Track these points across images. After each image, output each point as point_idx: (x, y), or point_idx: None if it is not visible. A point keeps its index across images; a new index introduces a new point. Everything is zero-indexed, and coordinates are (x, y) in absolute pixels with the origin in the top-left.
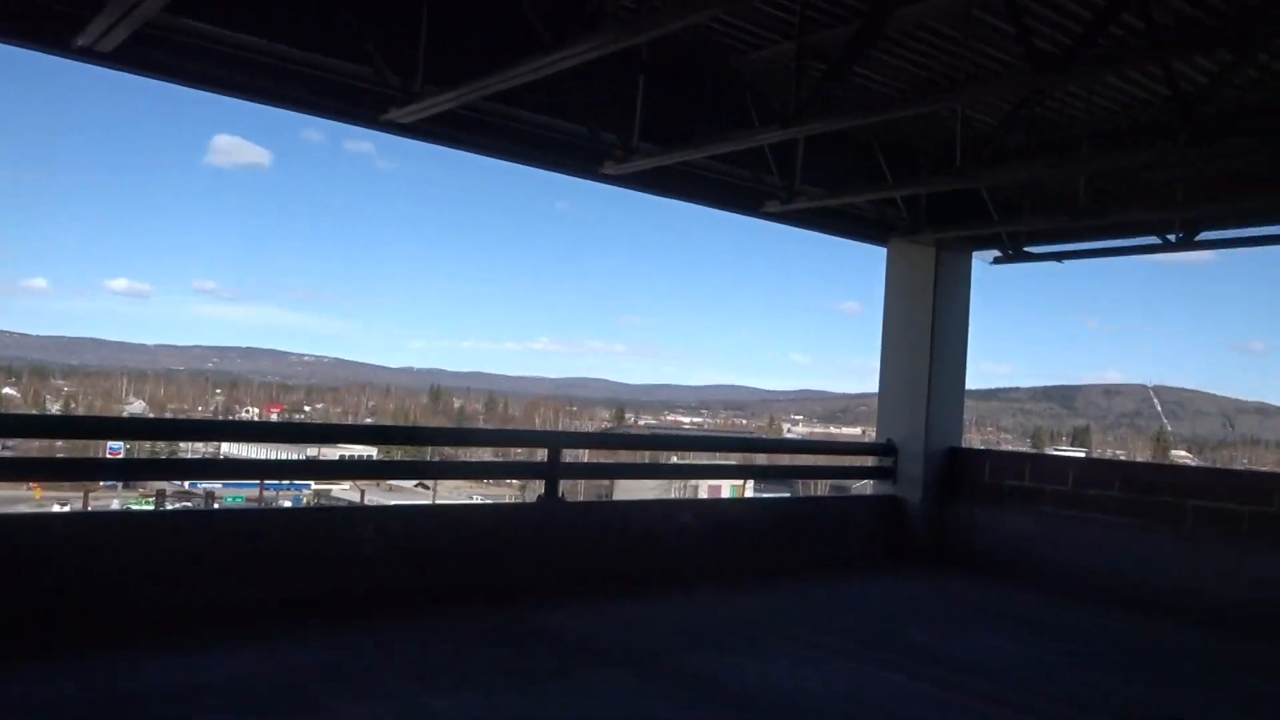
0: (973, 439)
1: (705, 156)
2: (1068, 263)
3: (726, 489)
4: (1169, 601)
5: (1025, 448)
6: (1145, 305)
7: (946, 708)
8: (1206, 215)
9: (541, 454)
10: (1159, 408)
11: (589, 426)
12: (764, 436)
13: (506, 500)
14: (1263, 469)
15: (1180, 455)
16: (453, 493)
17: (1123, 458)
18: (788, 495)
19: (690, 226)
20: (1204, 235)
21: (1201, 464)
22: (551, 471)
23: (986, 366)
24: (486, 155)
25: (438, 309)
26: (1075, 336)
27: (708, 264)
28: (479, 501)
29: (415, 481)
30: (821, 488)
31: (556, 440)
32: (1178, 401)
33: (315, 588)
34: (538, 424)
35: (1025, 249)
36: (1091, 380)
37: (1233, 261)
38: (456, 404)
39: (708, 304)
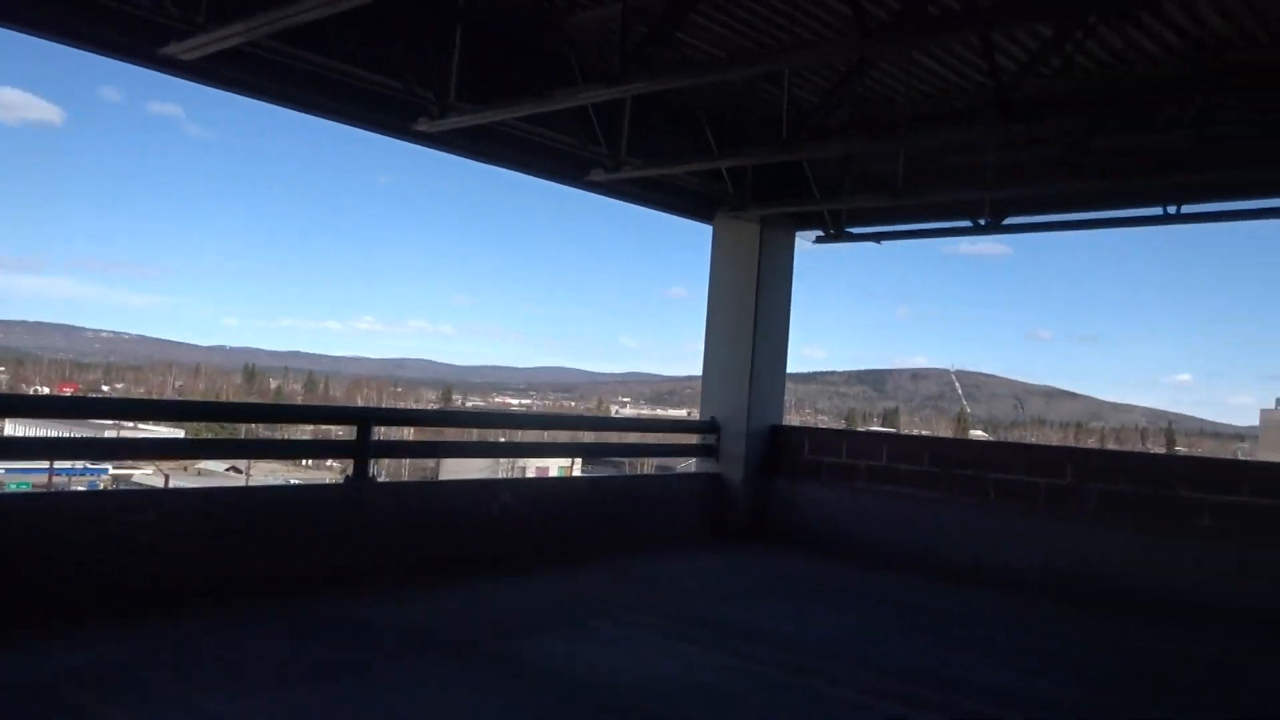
0: (792, 420)
1: (529, 119)
2: (881, 253)
3: (555, 469)
4: (976, 570)
5: (841, 428)
6: (949, 295)
7: (761, 682)
8: (1014, 198)
9: (350, 431)
10: (960, 390)
11: (413, 407)
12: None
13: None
14: (1053, 444)
15: (977, 434)
16: (268, 476)
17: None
18: (614, 474)
19: (522, 209)
20: (1010, 220)
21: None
22: (361, 450)
23: (806, 351)
24: (291, 107)
25: (253, 286)
26: (886, 324)
27: (539, 247)
28: (292, 484)
29: (228, 465)
30: (647, 467)
31: (366, 416)
32: (976, 385)
33: (101, 580)
34: (359, 404)
35: (846, 229)
36: (900, 365)
37: (1025, 256)
38: (273, 384)
39: (538, 286)
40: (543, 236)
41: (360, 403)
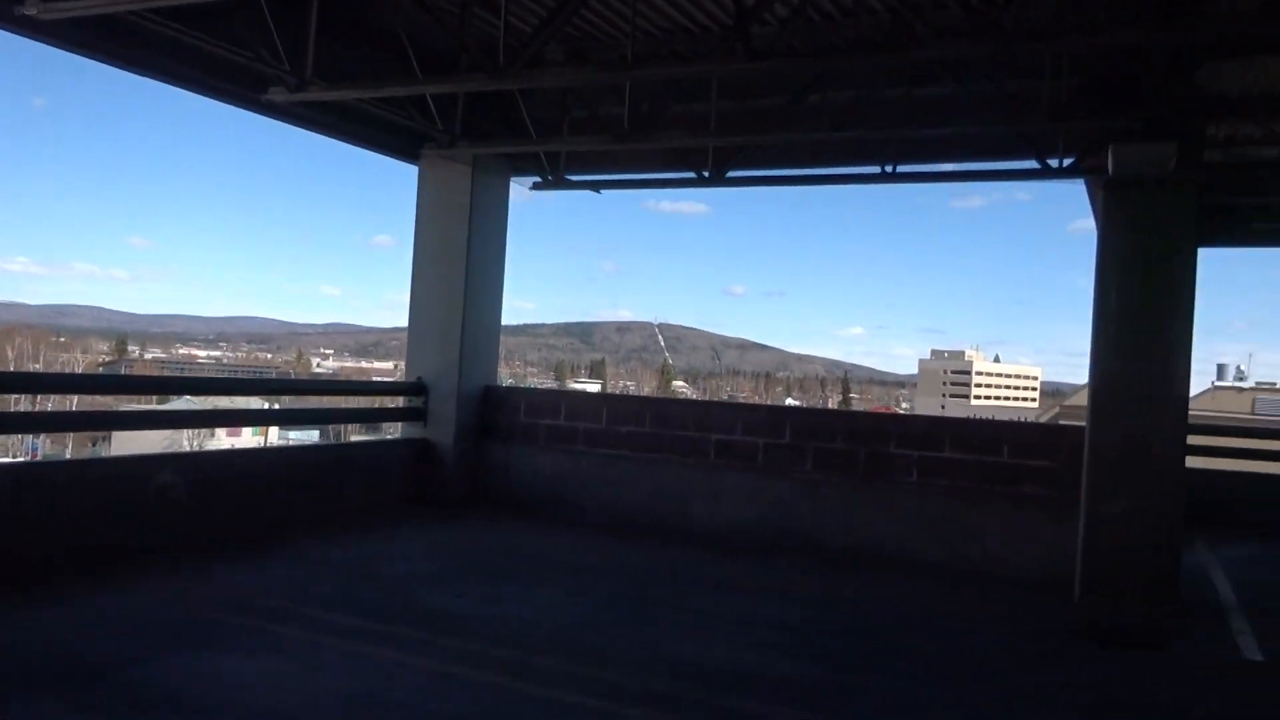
0: (502, 372)
1: (183, 18)
2: (588, 207)
3: (248, 435)
4: (696, 530)
5: (550, 380)
6: (652, 250)
7: (479, 693)
8: (739, 146)
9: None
10: (662, 343)
11: (81, 360)
12: (287, 376)
13: None
14: (777, 404)
15: (679, 385)
16: None
17: (632, 388)
18: (315, 440)
19: (206, 142)
20: (733, 173)
21: (697, 393)
22: None
23: (515, 303)
24: None
25: None
26: (593, 277)
27: (229, 188)
28: None
29: None
30: (355, 428)
31: None
32: (677, 337)
33: None
34: (10, 358)
35: (566, 176)
36: (607, 318)
37: (722, 215)
38: None
39: (230, 229)
40: (232, 176)
41: (11, 355)
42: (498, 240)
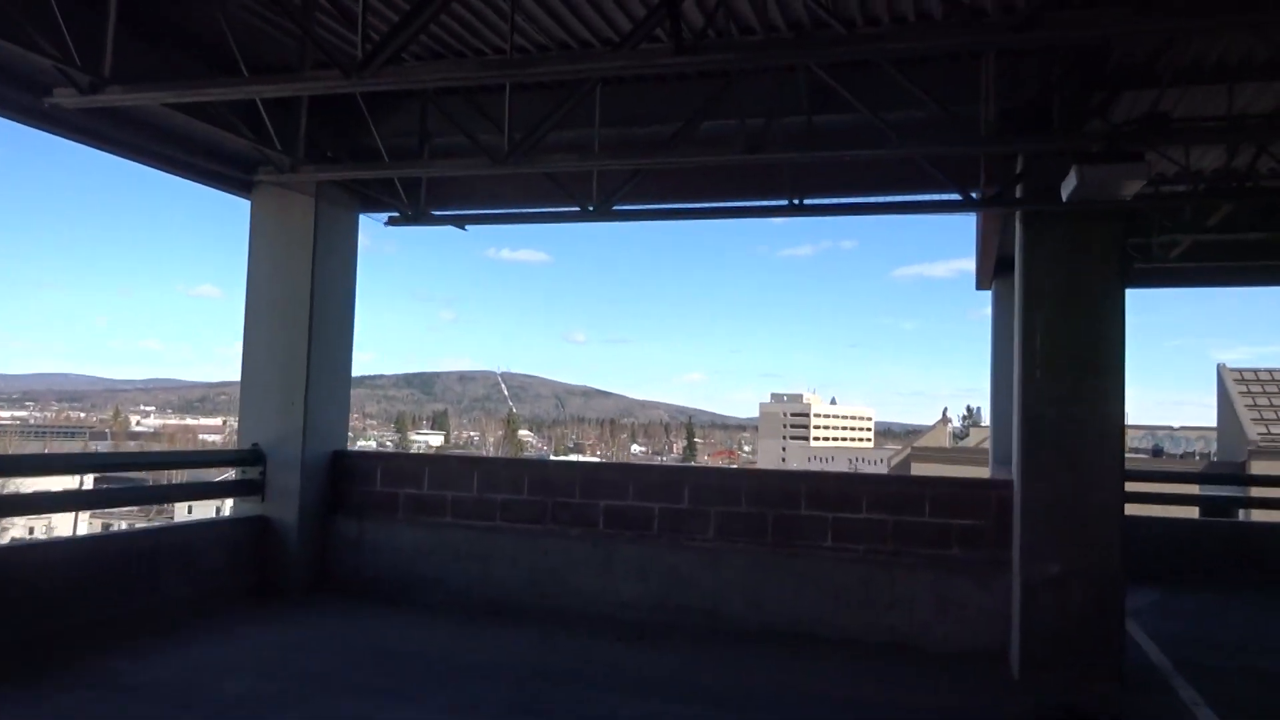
0: None
1: None
2: (425, 254)
3: (62, 519)
4: (584, 609)
5: (391, 433)
6: (491, 299)
7: None
8: (628, 172)
9: None
10: (506, 392)
11: None
12: (101, 436)
13: None
14: (676, 464)
15: (524, 434)
16: None
17: (476, 438)
18: (122, 529)
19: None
20: (620, 206)
21: (543, 442)
22: None
23: (354, 354)
24: None
25: None
26: (434, 326)
27: (34, 234)
28: None
29: None
30: (182, 507)
31: None
32: (521, 386)
33: None
34: None
35: (430, 211)
36: (448, 367)
37: (562, 263)
38: None
39: (33, 278)
40: (42, 218)
41: None
42: (346, 282)
